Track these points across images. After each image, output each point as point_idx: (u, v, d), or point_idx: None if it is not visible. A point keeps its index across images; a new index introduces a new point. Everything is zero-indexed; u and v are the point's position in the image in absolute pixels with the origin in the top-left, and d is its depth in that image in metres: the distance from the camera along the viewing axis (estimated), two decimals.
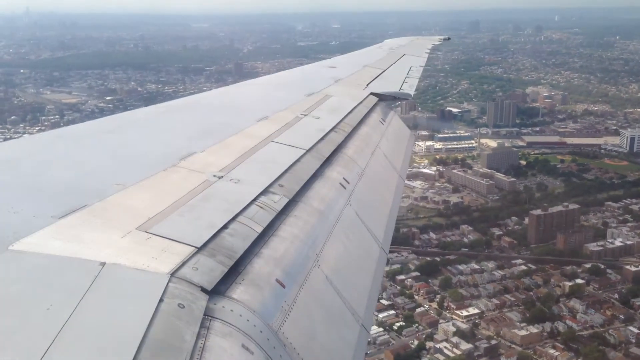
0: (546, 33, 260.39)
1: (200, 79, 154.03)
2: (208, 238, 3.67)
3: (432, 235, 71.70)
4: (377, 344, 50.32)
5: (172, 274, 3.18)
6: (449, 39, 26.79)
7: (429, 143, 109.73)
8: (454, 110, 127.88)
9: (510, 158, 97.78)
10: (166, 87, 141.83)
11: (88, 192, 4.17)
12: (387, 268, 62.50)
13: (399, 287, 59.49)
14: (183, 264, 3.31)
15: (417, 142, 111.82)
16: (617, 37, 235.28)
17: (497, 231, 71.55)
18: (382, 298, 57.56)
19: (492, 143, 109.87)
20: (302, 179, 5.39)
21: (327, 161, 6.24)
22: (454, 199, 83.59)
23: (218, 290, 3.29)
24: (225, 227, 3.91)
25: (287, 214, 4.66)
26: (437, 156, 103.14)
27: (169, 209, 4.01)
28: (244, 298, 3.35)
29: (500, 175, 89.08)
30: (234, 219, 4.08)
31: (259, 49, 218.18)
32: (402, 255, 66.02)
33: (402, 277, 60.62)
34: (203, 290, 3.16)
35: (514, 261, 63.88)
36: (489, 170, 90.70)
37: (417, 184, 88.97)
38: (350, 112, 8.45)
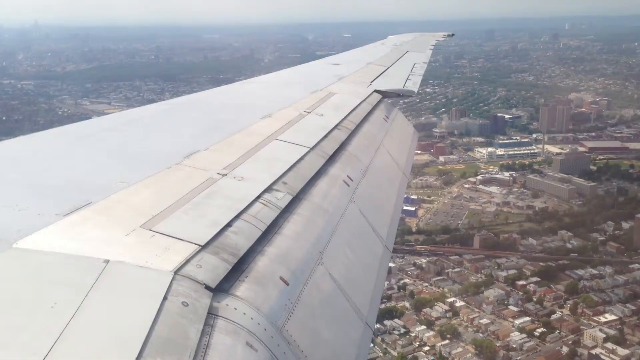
0: (563, 40, 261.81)
1: None
2: (212, 236, 3.62)
3: (532, 240, 70.79)
4: (525, 350, 49.37)
5: (176, 272, 3.13)
6: (453, 35, 26.61)
7: (490, 149, 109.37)
8: (506, 116, 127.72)
9: (582, 163, 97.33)
10: None
11: (92, 189, 4.13)
12: (504, 273, 61.56)
13: (520, 293, 58.55)
14: (187, 261, 3.26)
15: (476, 149, 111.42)
16: (636, 44, 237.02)
17: (598, 236, 70.70)
18: (509, 304, 56.71)
19: (553, 148, 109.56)
20: (305, 176, 5.34)
21: (331, 159, 6.19)
22: (537, 204, 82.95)
23: (222, 288, 3.25)
24: (229, 224, 3.87)
25: (291, 211, 4.61)
26: (502, 162, 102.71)
27: (172, 207, 3.98)
28: (247, 296, 3.30)
29: (579, 180, 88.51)
30: (237, 216, 4.04)
31: (279, 58, 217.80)
32: (512, 261, 65.23)
33: (522, 282, 59.69)
34: (207, 288, 3.12)
35: (630, 266, 63.04)
36: (566, 175, 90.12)
37: (494, 189, 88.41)
38: (353, 110, 8.42)
